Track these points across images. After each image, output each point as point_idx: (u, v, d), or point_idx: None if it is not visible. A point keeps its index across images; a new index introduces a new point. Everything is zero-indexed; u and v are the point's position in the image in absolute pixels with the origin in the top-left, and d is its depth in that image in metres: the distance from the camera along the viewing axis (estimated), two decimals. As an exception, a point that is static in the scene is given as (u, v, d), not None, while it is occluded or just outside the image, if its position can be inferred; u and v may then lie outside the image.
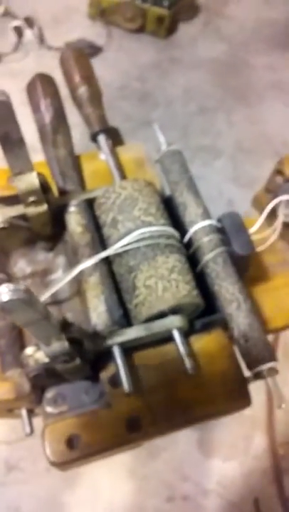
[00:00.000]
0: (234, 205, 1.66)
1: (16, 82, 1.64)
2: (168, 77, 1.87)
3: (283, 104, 1.86)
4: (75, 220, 0.59)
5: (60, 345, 0.46)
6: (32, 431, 0.59)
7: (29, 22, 1.86)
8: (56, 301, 0.61)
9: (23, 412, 0.59)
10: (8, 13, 1.86)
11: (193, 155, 1.70)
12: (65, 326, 0.48)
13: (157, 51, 1.90)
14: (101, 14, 1.87)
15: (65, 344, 0.46)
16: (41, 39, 1.85)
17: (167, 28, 1.90)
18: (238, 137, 1.78)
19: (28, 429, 0.58)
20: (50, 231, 0.60)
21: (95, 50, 1.83)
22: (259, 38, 1.96)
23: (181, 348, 0.53)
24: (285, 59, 1.93)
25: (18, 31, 1.82)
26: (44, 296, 0.59)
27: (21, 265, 0.62)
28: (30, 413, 0.60)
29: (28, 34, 1.85)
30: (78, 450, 0.51)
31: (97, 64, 1.93)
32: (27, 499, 1.18)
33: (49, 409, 0.55)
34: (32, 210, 0.54)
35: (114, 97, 1.77)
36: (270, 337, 1.24)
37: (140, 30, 1.90)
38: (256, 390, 0.59)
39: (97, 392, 0.56)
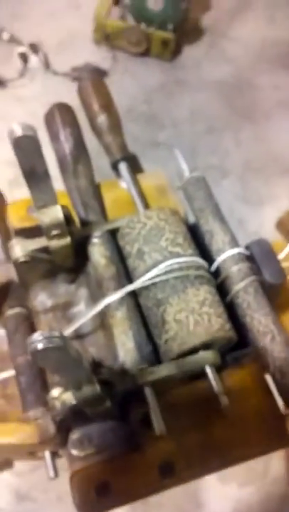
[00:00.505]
0: (244, 225, 1.64)
1: (22, 107, 1.63)
2: (174, 99, 1.85)
3: (290, 123, 1.85)
4: (98, 251, 0.56)
5: (92, 389, 0.43)
6: (57, 475, 0.55)
7: (34, 48, 1.86)
8: (78, 335, 0.57)
9: (47, 454, 0.55)
10: (13, 40, 1.86)
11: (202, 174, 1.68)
12: (95, 367, 0.44)
13: (163, 74, 1.90)
14: (106, 39, 1.87)
15: (97, 388, 0.43)
16: (47, 64, 1.85)
17: (172, 50, 1.90)
18: (246, 156, 1.76)
19: (52, 473, 0.54)
20: (73, 263, 0.57)
21: (100, 74, 1.82)
22: (264, 58, 1.96)
23: (215, 386, 0.50)
24: (289, 78, 1.92)
25: (24, 57, 1.82)
26: (67, 331, 0.56)
27: (42, 298, 0.59)
28: (54, 455, 0.56)
29: (34, 60, 1.85)
30: (109, 498, 0.47)
31: (104, 87, 1.92)
32: (40, 531, 1.14)
33: (75, 452, 0.51)
34: (55, 243, 0.52)
35: (122, 120, 1.75)
36: None
37: (145, 53, 1.89)
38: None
39: (126, 432, 0.52)
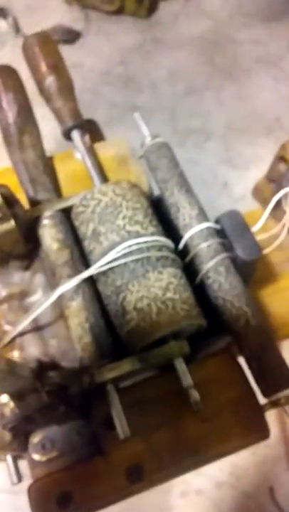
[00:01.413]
0: (229, 188, 1.56)
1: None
2: (151, 58, 1.74)
3: (273, 79, 1.74)
4: (49, 234, 0.48)
5: (36, 398, 0.37)
6: (20, 480, 0.50)
7: (3, 12, 1.73)
8: (38, 326, 0.51)
9: (9, 459, 0.49)
10: (-19, 6, 1.74)
11: (183, 138, 1.59)
12: (41, 373, 0.38)
13: (139, 32, 1.77)
14: (77, -3, 1.74)
15: (43, 396, 0.37)
16: (17, 28, 1.72)
17: (148, 7, 1.77)
18: (228, 116, 1.66)
19: (14, 479, 0.49)
20: (23, 249, 0.50)
21: (73, 35, 1.70)
22: (242, 12, 1.83)
23: (184, 380, 0.44)
24: (270, 32, 1.80)
25: (-8, 22, 1.70)
26: (22, 325, 0.49)
27: (-6, 289, 0.52)
28: (17, 458, 0.51)
29: (2, 25, 1.72)
30: (71, 510, 0.42)
31: (77, 50, 1.80)
32: None
33: (36, 456, 0.46)
34: (-2, 229, 0.44)
35: (96, 84, 1.64)
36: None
37: (119, 11, 1.76)
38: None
39: (91, 432, 0.46)
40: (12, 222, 0.45)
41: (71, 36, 1.68)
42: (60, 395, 0.39)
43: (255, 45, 1.81)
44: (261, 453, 1.29)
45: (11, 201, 0.45)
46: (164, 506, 1.24)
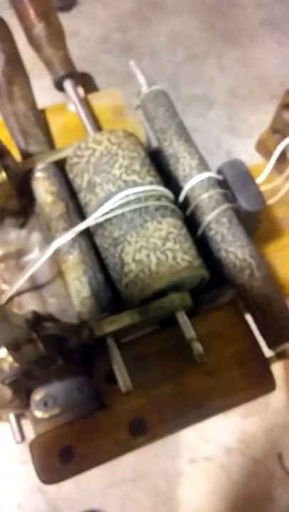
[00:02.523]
0: (233, 156, 1.52)
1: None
2: (150, 24, 1.68)
3: (277, 43, 1.68)
4: (43, 187, 0.46)
5: (32, 348, 0.35)
6: (23, 438, 0.49)
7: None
8: (36, 285, 0.49)
9: (11, 418, 0.48)
10: None
11: (185, 106, 1.54)
12: (36, 323, 0.36)
13: (136, -3, 1.72)
14: None
15: (39, 346, 0.35)
16: (11, -4, 1.66)
17: None
18: (231, 83, 1.62)
19: (18, 438, 0.48)
20: (18, 204, 0.48)
21: (69, 3, 1.65)
22: None
23: (187, 332, 0.42)
24: (274, -7, 1.74)
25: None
26: (19, 283, 0.47)
27: (-10, 248, 0.50)
28: (20, 417, 0.50)
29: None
30: (73, 464, 0.41)
31: (73, 18, 1.75)
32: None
33: (38, 413, 0.45)
34: (-13, 182, 0.42)
35: (95, 52, 1.60)
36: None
37: (116, -24, 1.71)
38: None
39: (94, 388, 0.45)
40: (3, 174, 0.43)
41: (67, 4, 1.63)
42: (57, 347, 0.38)
43: (258, 8, 1.74)
44: (270, 419, 1.29)
45: (1, 152, 0.42)
46: (174, 473, 1.25)
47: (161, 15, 1.69)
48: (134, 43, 1.62)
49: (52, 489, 1.16)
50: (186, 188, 0.48)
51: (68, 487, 1.17)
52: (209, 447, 1.26)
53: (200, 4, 1.73)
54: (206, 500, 1.23)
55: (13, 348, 0.35)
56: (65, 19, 1.81)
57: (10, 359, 0.39)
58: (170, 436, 0.43)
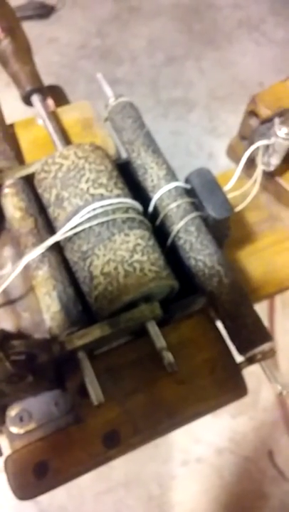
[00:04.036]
0: (215, 158, 1.53)
1: None
2: (129, 29, 1.69)
3: (255, 43, 1.70)
4: (11, 203, 0.47)
5: (0, 367, 0.35)
6: (1, 453, 0.49)
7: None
8: (9, 300, 0.49)
9: (-11, 433, 0.48)
10: None
11: (166, 110, 1.55)
12: (5, 342, 0.37)
13: (114, 2, 1.72)
14: None
15: (6, 366, 0.35)
16: (-11, 5, 1.65)
17: (122, -25, 1.71)
18: (210, 85, 1.63)
19: (-4, 452, 0.48)
20: (-12, 220, 0.48)
21: (47, 10, 1.64)
22: (220, -27, 1.78)
23: (157, 342, 0.42)
24: (250, -6, 1.75)
25: None
26: None
27: None
28: (-2, 432, 0.50)
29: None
30: (48, 479, 0.41)
31: (52, 25, 1.75)
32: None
33: (14, 429, 0.45)
34: None
35: (74, 58, 1.60)
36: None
37: (93, -19, 1.71)
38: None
39: (69, 402, 0.45)
40: None
41: (45, 11, 1.63)
42: (26, 365, 0.38)
43: (234, 9, 1.75)
44: (259, 418, 1.30)
45: None
46: (166, 476, 1.25)
47: (139, 19, 1.69)
48: (113, 47, 1.63)
49: (45, 498, 1.16)
50: (155, 198, 0.49)
51: (61, 496, 1.17)
52: (200, 448, 1.26)
53: (178, 7, 1.74)
54: (200, 501, 1.24)
55: (-20, 367, 0.35)
56: (44, 26, 1.81)
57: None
58: (145, 444, 0.44)
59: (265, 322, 1.41)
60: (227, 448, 1.28)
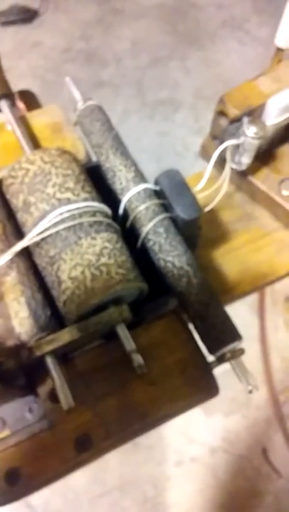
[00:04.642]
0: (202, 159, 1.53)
1: None
2: (113, 31, 1.69)
3: (238, 42, 1.70)
4: (-21, 210, 0.47)
5: None
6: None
7: None
8: (-17, 306, 0.49)
9: None
10: None
11: (152, 111, 1.56)
12: None
13: (98, 5, 1.72)
14: (31, -26, 1.68)
15: None
16: (-28, 11, 1.66)
17: (104, -23, 1.71)
18: (195, 84, 1.63)
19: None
20: None
21: (30, 14, 1.65)
22: (202, -27, 1.78)
23: (127, 344, 0.42)
24: (233, -7, 1.76)
25: None
26: None
27: None
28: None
29: None
30: (20, 486, 0.41)
31: (35, 29, 1.75)
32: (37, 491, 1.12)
33: (-13, 435, 0.45)
34: None
35: (59, 62, 1.60)
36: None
37: (75, -16, 1.71)
38: (248, 341, 0.48)
39: (42, 408, 0.45)
40: None
41: (28, 15, 1.63)
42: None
43: (218, 8, 1.76)
44: (252, 416, 1.30)
45: None
46: (161, 477, 1.25)
47: (123, 21, 1.70)
48: (98, 50, 1.63)
49: (40, 504, 1.16)
50: (124, 200, 0.49)
51: (56, 501, 1.17)
52: (194, 448, 1.27)
53: (161, 8, 1.75)
54: (195, 500, 1.24)
55: None
56: (28, 30, 1.81)
57: None
58: (118, 447, 0.44)
59: (256, 320, 1.41)
60: (221, 447, 1.28)
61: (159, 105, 1.60)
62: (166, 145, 1.52)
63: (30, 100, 0.61)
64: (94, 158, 0.54)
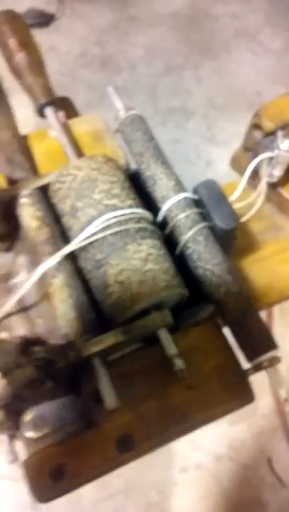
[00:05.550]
0: (213, 166, 1.56)
1: None
2: (128, 38, 1.72)
3: (251, 53, 1.73)
4: (28, 213, 0.48)
5: (24, 372, 0.37)
6: (16, 458, 0.50)
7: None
8: (24, 307, 0.51)
9: (5, 438, 0.50)
10: None
11: (164, 118, 1.58)
12: (26, 347, 0.38)
13: (113, 11, 1.75)
14: (48, -22, 1.70)
15: (31, 370, 0.37)
16: (-11, 13, 1.68)
17: (121, -15, 1.74)
18: (208, 93, 1.66)
19: (11, 458, 0.49)
20: (4, 229, 0.50)
21: (47, 18, 1.67)
22: (218, -17, 1.81)
23: (169, 349, 0.44)
24: (247, 5, 1.78)
25: None
26: (7, 306, 0.49)
27: (-23, 273, 0.52)
28: (12, 438, 0.52)
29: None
30: (64, 482, 0.43)
31: (52, 33, 1.78)
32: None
33: (29, 434, 0.46)
34: (-27, 210, 0.44)
35: (74, 67, 1.62)
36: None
37: (92, -9, 1.74)
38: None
39: (82, 407, 0.47)
40: (-10, 202, 0.45)
41: (45, 19, 1.66)
42: (46, 370, 0.40)
43: (232, 19, 1.79)
44: (257, 425, 1.31)
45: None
46: (166, 483, 1.26)
47: (138, 28, 1.72)
48: (112, 56, 1.65)
49: (44, 506, 1.17)
50: (164, 208, 0.51)
51: (60, 503, 1.18)
52: (199, 455, 1.28)
53: (176, 17, 1.77)
54: (199, 507, 1.25)
55: (4, 372, 0.36)
56: (44, 35, 1.84)
57: (2, 382, 0.41)
58: (157, 448, 0.45)
59: (264, 329, 1.42)
60: (226, 455, 1.29)
61: (172, 113, 1.62)
62: (177, 152, 1.54)
63: (69, 107, 0.63)
64: (132, 166, 0.56)
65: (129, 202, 0.48)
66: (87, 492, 1.21)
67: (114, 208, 0.47)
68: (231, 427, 1.31)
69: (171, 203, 0.50)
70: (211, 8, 1.78)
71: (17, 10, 1.75)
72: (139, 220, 0.47)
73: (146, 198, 0.53)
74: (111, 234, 0.46)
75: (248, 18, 1.78)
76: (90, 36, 1.71)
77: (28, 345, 0.39)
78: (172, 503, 1.25)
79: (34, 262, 0.51)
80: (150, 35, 1.75)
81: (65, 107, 0.61)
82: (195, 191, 0.51)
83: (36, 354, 0.39)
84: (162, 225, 0.51)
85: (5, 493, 1.12)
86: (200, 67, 1.71)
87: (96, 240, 0.46)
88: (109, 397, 0.42)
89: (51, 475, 0.43)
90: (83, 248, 0.47)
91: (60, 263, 0.47)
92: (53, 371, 0.41)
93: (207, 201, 0.50)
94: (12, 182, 0.51)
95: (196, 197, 0.51)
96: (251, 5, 1.79)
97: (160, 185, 0.51)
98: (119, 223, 0.46)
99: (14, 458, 0.50)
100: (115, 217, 0.46)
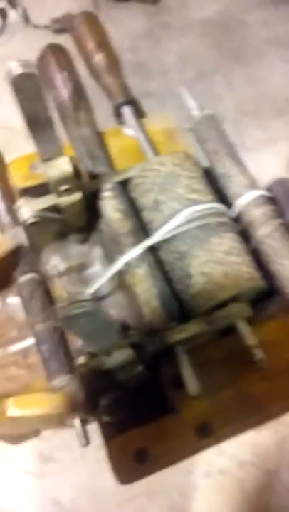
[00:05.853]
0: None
1: (3, 67, 1.52)
2: (161, 44, 1.75)
3: (282, 61, 1.75)
4: (111, 206, 0.50)
5: (123, 354, 0.39)
6: (88, 442, 0.52)
7: (12, 2, 1.73)
8: (96, 297, 0.53)
9: (77, 423, 0.52)
10: (-12, -4, 1.74)
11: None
12: (123, 330, 0.40)
13: (147, 18, 1.78)
14: (85, -16, 1.74)
15: (130, 352, 0.39)
16: (26, 19, 1.72)
17: (155, -7, 1.78)
18: (239, 100, 1.68)
19: (84, 442, 0.51)
20: (84, 221, 0.52)
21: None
22: (251, -8, 1.84)
23: (249, 339, 0.46)
24: (279, 13, 1.81)
25: (2, 13, 1.70)
26: (87, 294, 0.51)
27: (55, 262, 0.54)
28: (84, 422, 0.53)
29: (13, 15, 1.73)
30: (147, 465, 0.44)
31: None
32: (66, 489, 1.13)
33: (106, 418, 0.48)
34: (65, 200, 0.46)
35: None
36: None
37: (127, -2, 1.78)
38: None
39: (157, 395, 0.49)
40: (79, 194, 0.47)
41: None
42: (138, 354, 0.42)
43: (264, 26, 1.82)
44: (282, 432, 1.32)
45: (78, 173, 0.46)
46: (188, 487, 1.27)
47: (171, 35, 1.75)
48: (145, 62, 1.68)
49: (67, 502, 1.18)
50: (239, 204, 0.53)
51: (84, 501, 1.19)
52: (223, 460, 1.28)
53: (208, 24, 1.80)
54: (220, 513, 1.25)
55: (106, 353, 0.38)
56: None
57: (91, 364, 0.43)
58: (234, 436, 0.47)
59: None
60: (249, 461, 1.29)
61: (202, 118, 1.64)
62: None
63: (140, 108, 0.65)
64: (204, 163, 0.58)
65: (210, 197, 0.50)
66: (112, 492, 1.22)
67: (197, 202, 0.49)
68: (256, 434, 1.32)
69: (247, 199, 0.52)
70: (242, 16, 1.81)
71: (54, 14, 1.78)
72: (220, 214, 0.49)
73: (218, 195, 0.55)
74: (194, 227, 0.48)
75: (281, 26, 1.81)
76: (123, 42, 1.74)
77: (125, 329, 0.40)
78: (195, 506, 1.25)
79: (108, 255, 0.53)
80: (182, 42, 1.78)
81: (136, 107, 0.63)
82: (269, 189, 0.53)
83: (132, 338, 0.41)
84: (235, 221, 0.53)
85: (29, 489, 1.13)
86: (231, 74, 1.73)
87: (180, 233, 0.48)
88: (193, 384, 0.44)
89: (135, 457, 0.44)
90: (165, 240, 0.49)
91: (143, 254, 0.49)
92: (144, 356, 0.43)
93: (282, 198, 0.52)
94: (93, 176, 0.53)
95: (270, 194, 0.53)
96: (284, 13, 1.82)
97: (235, 182, 0.53)
98: (201, 217, 0.48)
99: (86, 441, 0.52)
100: (198, 210, 0.48)
